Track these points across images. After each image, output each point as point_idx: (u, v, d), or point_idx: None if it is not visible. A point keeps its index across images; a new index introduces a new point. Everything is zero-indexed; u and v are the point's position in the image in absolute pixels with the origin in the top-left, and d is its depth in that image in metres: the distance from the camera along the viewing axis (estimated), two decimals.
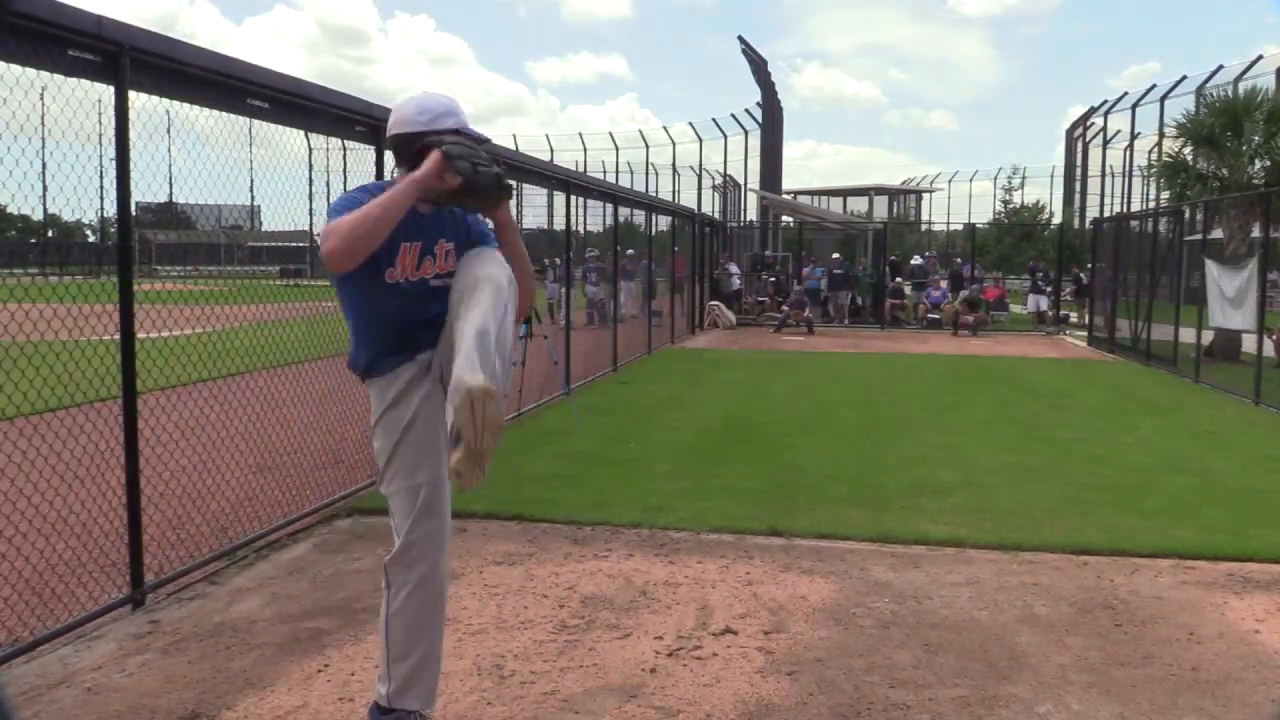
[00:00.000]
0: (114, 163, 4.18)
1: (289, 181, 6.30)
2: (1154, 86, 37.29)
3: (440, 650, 3.10)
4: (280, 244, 38.95)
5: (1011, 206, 36.20)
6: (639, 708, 3.43)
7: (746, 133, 45.91)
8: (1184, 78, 34.66)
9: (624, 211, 15.20)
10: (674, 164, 51.11)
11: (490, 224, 3.15)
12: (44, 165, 4.05)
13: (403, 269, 2.94)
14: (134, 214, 4.34)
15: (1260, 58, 31.34)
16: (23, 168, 3.84)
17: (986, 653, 3.95)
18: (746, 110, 45.02)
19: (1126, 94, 40.06)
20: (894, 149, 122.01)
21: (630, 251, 17.92)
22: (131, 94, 4.14)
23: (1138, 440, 8.55)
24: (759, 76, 40.72)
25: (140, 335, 4.34)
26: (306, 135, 6.29)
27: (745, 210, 44.90)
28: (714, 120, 48.43)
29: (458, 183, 2.85)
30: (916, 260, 27.32)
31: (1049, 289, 24.15)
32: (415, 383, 2.97)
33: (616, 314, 14.65)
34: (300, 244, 37.33)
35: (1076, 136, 45.46)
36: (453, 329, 2.86)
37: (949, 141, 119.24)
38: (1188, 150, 15.65)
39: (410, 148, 2.95)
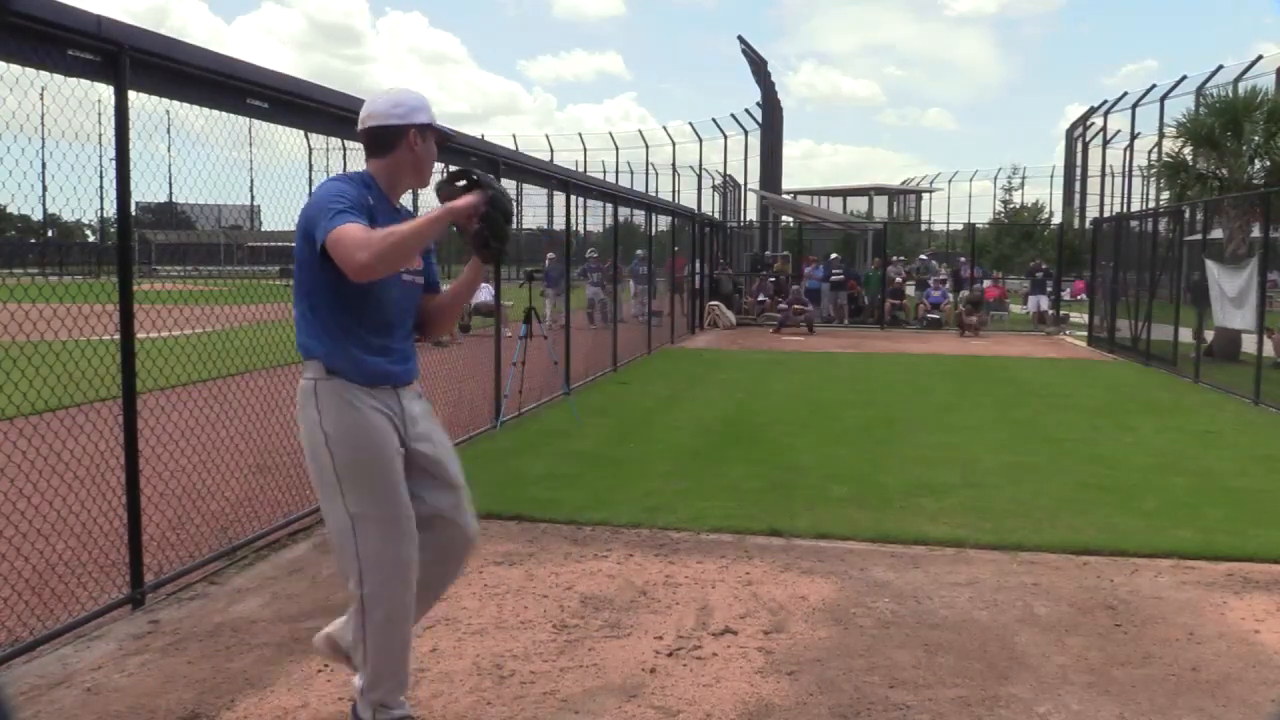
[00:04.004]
0: (114, 163, 4.18)
1: (289, 181, 6.31)
2: (1154, 86, 37.41)
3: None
4: (280, 244, 38.87)
5: (1011, 206, 36.24)
6: (639, 708, 3.43)
7: (746, 133, 45.96)
8: (1184, 78, 34.77)
9: (624, 211, 15.20)
10: (674, 164, 51.21)
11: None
12: (44, 165, 4.04)
13: None
14: (134, 214, 4.34)
15: (1260, 58, 31.42)
16: (22, 168, 3.85)
17: (986, 653, 3.94)
18: (746, 110, 45.11)
19: (1126, 94, 40.16)
20: (893, 149, 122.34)
21: (640, 253, 17.91)
22: (131, 94, 4.14)
23: (1137, 440, 8.55)
24: (759, 76, 40.72)
25: (140, 335, 4.34)
26: (306, 135, 6.29)
27: (745, 210, 44.97)
28: (714, 120, 48.57)
29: (476, 228, 2.93)
30: (922, 257, 27.30)
31: (1049, 289, 24.18)
32: None
33: (617, 314, 14.65)
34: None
35: (1076, 136, 45.50)
36: None
37: (949, 141, 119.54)
38: (1188, 150, 15.64)
39: (386, 140, 3.00)
